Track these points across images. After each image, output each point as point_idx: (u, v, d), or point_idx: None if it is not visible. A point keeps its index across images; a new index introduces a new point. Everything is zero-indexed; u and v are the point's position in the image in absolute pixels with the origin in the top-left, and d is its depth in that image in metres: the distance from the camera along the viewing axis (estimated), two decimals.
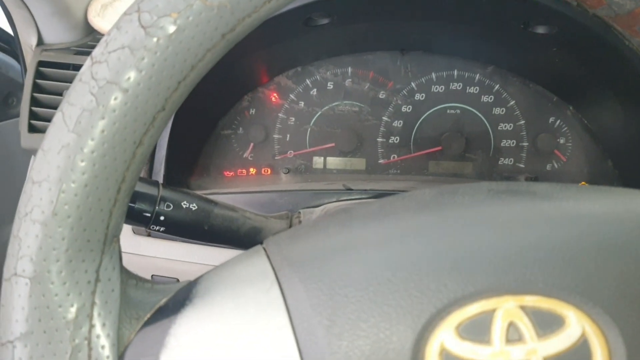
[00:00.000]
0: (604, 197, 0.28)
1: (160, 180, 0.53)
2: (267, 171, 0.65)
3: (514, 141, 0.66)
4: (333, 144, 0.67)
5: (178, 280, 0.55)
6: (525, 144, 0.66)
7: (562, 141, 0.65)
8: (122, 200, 0.27)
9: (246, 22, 0.27)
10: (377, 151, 0.67)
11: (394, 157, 0.67)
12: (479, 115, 0.66)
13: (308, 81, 0.66)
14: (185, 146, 0.56)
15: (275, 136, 0.67)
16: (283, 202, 0.51)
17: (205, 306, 0.27)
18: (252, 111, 0.66)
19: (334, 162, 0.68)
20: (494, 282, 0.25)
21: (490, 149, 0.66)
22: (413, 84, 0.66)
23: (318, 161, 0.68)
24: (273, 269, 0.27)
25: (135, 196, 0.36)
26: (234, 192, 0.53)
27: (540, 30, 0.50)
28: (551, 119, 0.65)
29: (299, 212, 0.45)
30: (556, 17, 0.44)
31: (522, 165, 0.66)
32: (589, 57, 0.50)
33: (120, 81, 0.24)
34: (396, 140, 0.67)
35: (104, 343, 0.25)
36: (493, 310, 0.25)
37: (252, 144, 0.66)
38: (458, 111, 0.66)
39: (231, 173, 0.66)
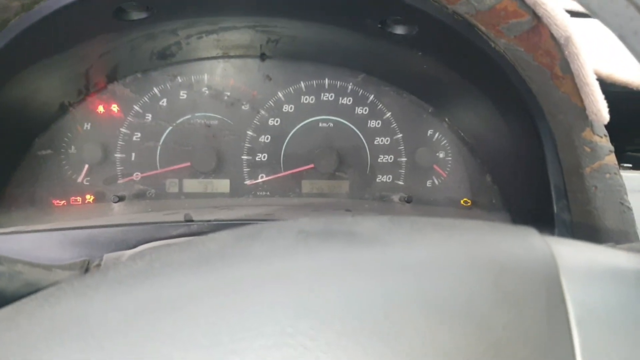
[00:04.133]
0: (439, 238, 0.23)
1: None
2: (103, 198, 0.56)
3: (392, 156, 0.62)
4: (189, 164, 0.58)
5: None
6: (404, 159, 0.62)
7: (441, 155, 0.62)
8: None
9: None
10: (243, 171, 0.60)
11: (262, 177, 0.60)
12: (354, 128, 0.61)
13: (156, 89, 0.57)
14: None
15: (117, 155, 0.57)
16: (105, 240, 0.42)
17: None
18: (87, 126, 0.56)
19: (191, 184, 0.59)
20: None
21: (367, 166, 0.61)
22: (280, 94, 0.59)
23: (172, 184, 0.59)
24: None
25: None
26: (41, 230, 0.42)
27: (399, 30, 0.45)
28: (429, 132, 0.61)
29: (101, 259, 0.37)
30: (412, 13, 0.40)
31: (400, 183, 0.62)
32: (455, 61, 0.47)
33: None
34: (264, 157, 0.60)
35: None
36: None
37: (87, 166, 0.56)
38: (331, 124, 0.61)
39: (62, 202, 0.56)
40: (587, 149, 0.46)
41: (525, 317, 0.20)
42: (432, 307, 0.19)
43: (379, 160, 0.61)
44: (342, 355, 0.18)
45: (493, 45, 0.42)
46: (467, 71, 0.48)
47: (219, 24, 0.48)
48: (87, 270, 0.34)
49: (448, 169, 0.62)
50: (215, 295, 0.19)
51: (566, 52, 0.41)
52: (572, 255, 0.23)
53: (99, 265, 0.36)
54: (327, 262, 0.20)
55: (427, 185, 0.62)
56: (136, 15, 0.43)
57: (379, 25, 0.45)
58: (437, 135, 0.61)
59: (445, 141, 0.61)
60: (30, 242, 0.41)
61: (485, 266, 0.21)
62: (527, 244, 0.23)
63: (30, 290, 0.30)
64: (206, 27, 0.49)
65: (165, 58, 0.54)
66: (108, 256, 0.37)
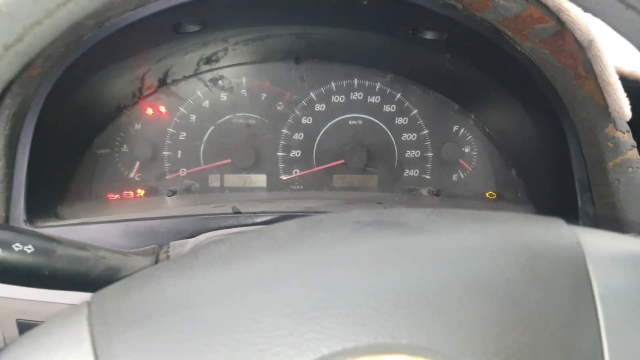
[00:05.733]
0: (476, 228, 0.25)
1: (21, 211, 0.46)
2: (155, 193, 0.59)
3: (419, 151, 0.63)
4: (229, 160, 0.61)
5: None
6: (430, 154, 0.63)
7: (466, 150, 0.63)
8: None
9: (37, 31, 0.21)
10: (278, 166, 0.62)
11: (295, 172, 0.63)
12: (382, 125, 0.63)
13: (199, 93, 0.60)
14: (51, 170, 0.48)
15: (165, 153, 0.60)
16: (164, 230, 0.45)
17: None
18: (138, 126, 0.59)
19: (231, 179, 0.62)
20: (346, 342, 0.21)
21: (394, 161, 0.63)
22: (312, 94, 0.62)
23: (214, 179, 0.62)
24: (91, 333, 0.22)
25: None
26: (107, 222, 0.46)
27: (429, 35, 0.47)
28: (455, 128, 0.63)
29: (168, 246, 0.40)
30: (443, 21, 0.41)
31: (427, 177, 0.63)
32: (483, 62, 0.48)
33: None
34: (297, 154, 0.62)
35: None
36: None
37: (138, 163, 0.59)
38: (360, 122, 0.63)
39: (116, 196, 0.59)
40: (610, 145, 0.47)
41: (555, 294, 0.22)
42: (474, 286, 0.21)
43: (406, 156, 0.63)
44: (400, 324, 0.20)
45: (519, 48, 0.43)
46: (493, 72, 0.49)
47: (266, 32, 0.51)
48: (157, 255, 0.37)
49: (474, 163, 0.63)
50: (293, 273, 0.21)
51: (589, 54, 0.42)
52: (596, 242, 0.25)
53: (167, 251, 0.39)
54: (381, 247, 0.22)
55: (454, 179, 0.64)
56: (192, 28, 0.45)
57: (411, 32, 0.46)
58: (462, 131, 0.63)
59: (470, 136, 0.63)
60: (97, 232, 0.44)
61: (519, 251, 0.23)
62: (556, 232, 0.25)
63: (111, 273, 0.34)
64: (255, 34, 0.51)
65: (211, 63, 0.57)
66: (174, 243, 0.40)
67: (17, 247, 0.30)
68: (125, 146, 0.58)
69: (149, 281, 0.23)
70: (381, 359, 0.20)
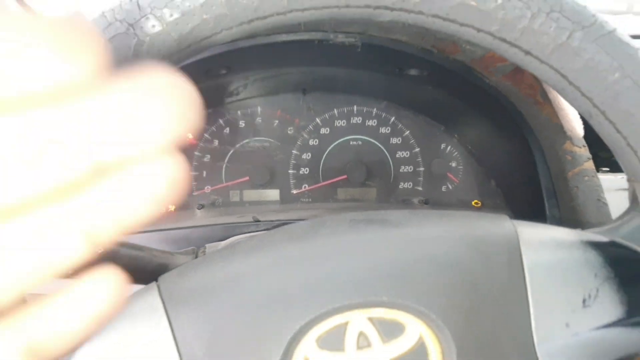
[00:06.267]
0: (440, 222, 0.33)
1: None
2: (185, 207, 0.68)
3: (412, 167, 0.72)
4: (247, 178, 0.70)
5: None
6: (422, 168, 0.72)
7: (453, 164, 0.72)
8: None
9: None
10: (289, 182, 0.71)
11: (305, 187, 0.71)
12: (379, 145, 0.72)
13: (221, 121, 0.69)
14: None
15: (192, 173, 0.69)
16: (195, 237, 0.53)
17: (98, 340, 0.30)
18: None
19: (249, 194, 0.71)
20: (345, 300, 0.29)
21: (390, 175, 0.72)
22: (318, 120, 0.71)
23: (234, 194, 0.71)
24: (163, 303, 0.30)
25: None
26: (148, 231, 0.55)
27: (413, 72, 0.56)
28: (442, 146, 0.72)
29: (204, 247, 0.48)
30: (422, 62, 0.50)
31: (419, 188, 0.72)
32: (459, 93, 0.57)
33: None
34: (306, 171, 0.71)
35: None
36: (346, 324, 0.29)
37: None
38: (360, 142, 0.72)
39: None
40: (569, 157, 0.55)
41: (493, 268, 0.30)
42: (435, 262, 0.30)
43: (400, 171, 0.72)
44: (382, 289, 0.29)
45: (487, 81, 0.52)
46: (469, 100, 0.58)
47: (279, 71, 0.60)
48: (196, 254, 0.46)
49: (460, 176, 0.72)
50: (305, 257, 0.30)
51: (544, 85, 0.51)
52: (530, 229, 0.32)
53: (204, 251, 0.47)
54: (370, 238, 0.31)
55: (442, 189, 0.72)
56: (219, 72, 0.55)
57: (397, 70, 0.55)
58: (449, 148, 0.71)
59: (456, 153, 0.71)
60: (141, 240, 0.52)
61: (468, 237, 0.31)
62: (499, 223, 0.33)
63: (161, 269, 0.42)
64: (269, 73, 0.60)
65: (232, 96, 0.66)
66: (209, 245, 0.49)
67: None
68: None
69: (202, 264, 0.32)
70: (368, 311, 0.28)
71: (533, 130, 0.55)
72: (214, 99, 0.65)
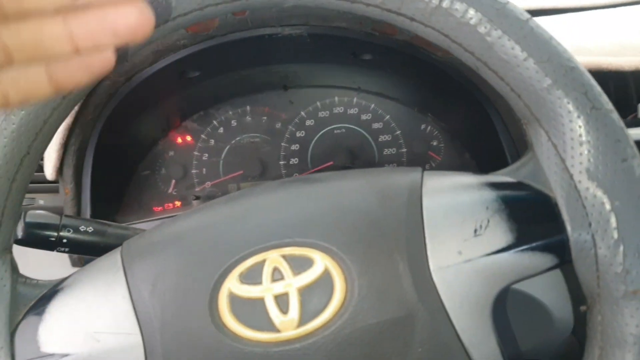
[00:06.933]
0: (358, 176, 0.38)
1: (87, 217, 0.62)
2: (187, 202, 0.75)
3: (394, 149, 0.76)
4: (242, 171, 0.76)
5: None
6: (404, 149, 0.75)
7: (434, 143, 0.75)
8: (6, 223, 0.36)
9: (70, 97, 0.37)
10: (281, 172, 0.76)
11: (295, 175, 0.77)
12: (362, 131, 0.76)
13: (215, 122, 0.76)
14: (108, 188, 0.65)
15: (193, 171, 0.76)
16: None
17: (71, 287, 0.36)
18: (171, 153, 0.75)
19: (245, 186, 0.77)
20: (263, 242, 0.34)
21: (375, 158, 0.76)
22: (302, 113, 0.76)
23: (232, 187, 0.77)
24: (122, 258, 0.36)
25: (41, 226, 0.45)
26: (152, 219, 0.62)
27: (367, 57, 0.60)
28: (422, 126, 0.75)
29: None
30: (371, 47, 0.55)
31: None
32: (416, 73, 0.61)
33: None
34: (295, 161, 0.76)
35: None
36: (263, 261, 0.33)
37: (174, 181, 0.75)
38: (344, 130, 0.76)
39: (160, 208, 0.75)
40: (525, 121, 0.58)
41: (393, 208, 0.34)
42: (341, 207, 0.34)
43: (384, 153, 0.75)
44: (310, 230, 0.33)
45: (434, 56, 0.55)
46: (426, 78, 0.62)
47: (253, 71, 0.66)
48: None
49: (441, 153, 0.75)
50: (236, 213, 0.35)
51: None
52: (434, 175, 0.36)
53: None
54: (291, 192, 0.36)
55: (427, 168, 0.75)
56: (192, 74, 0.61)
57: (352, 55, 0.60)
58: (429, 128, 0.74)
59: (436, 132, 0.74)
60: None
61: (380, 184, 0.35)
62: (410, 172, 0.36)
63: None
64: (245, 73, 0.67)
65: (217, 100, 0.73)
66: None
67: (82, 228, 0.46)
68: (163, 169, 0.75)
69: (155, 228, 0.38)
70: (282, 250, 0.33)
71: (490, 99, 0.58)
72: (202, 103, 0.72)
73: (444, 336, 0.31)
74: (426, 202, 0.34)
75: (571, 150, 0.31)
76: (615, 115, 0.31)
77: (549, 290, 0.53)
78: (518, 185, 0.35)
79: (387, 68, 0.62)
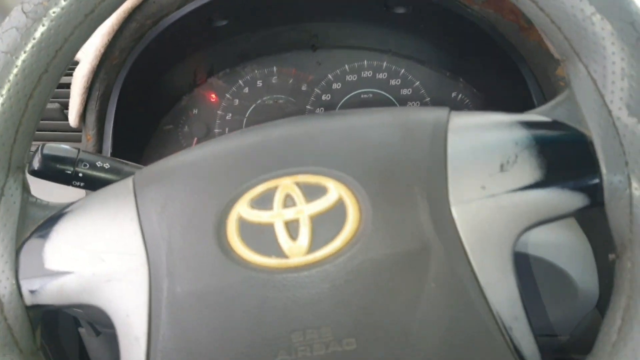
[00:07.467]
0: (384, 112, 0.36)
1: None
2: None
3: None
4: None
5: None
6: None
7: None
8: (21, 140, 0.36)
9: (102, 6, 0.36)
10: None
11: None
12: (390, 97, 0.74)
13: (240, 81, 0.75)
14: (130, 139, 0.65)
15: (216, 130, 0.76)
16: None
17: (80, 209, 0.36)
18: (195, 111, 0.75)
19: None
20: (276, 168, 0.33)
21: None
22: (330, 76, 0.74)
23: None
24: (134, 184, 0.36)
25: (58, 159, 0.45)
26: None
27: (400, 10, 0.58)
28: (453, 94, 0.73)
29: None
30: None
31: None
32: (449, 29, 0.58)
33: (10, 51, 0.34)
34: None
35: (3, 237, 0.34)
36: (275, 187, 0.32)
37: (196, 139, 0.75)
38: (371, 95, 0.74)
39: None
40: (562, 84, 0.55)
41: (415, 142, 0.32)
42: (360, 138, 0.33)
43: None
44: (308, 161, 0.32)
45: (470, 10, 0.53)
46: (458, 35, 0.59)
47: (283, 27, 0.65)
48: None
49: None
50: (253, 139, 0.34)
51: None
52: (464, 116, 0.34)
53: None
54: (313, 122, 0.34)
55: None
56: (220, 22, 0.60)
57: (385, 8, 0.58)
58: (459, 96, 0.72)
59: (467, 100, 0.72)
60: None
61: (400, 120, 0.33)
62: (436, 111, 0.34)
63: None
64: (274, 30, 0.65)
65: (245, 58, 0.72)
66: None
67: (99, 164, 0.46)
68: (186, 126, 0.75)
69: (168, 158, 0.37)
70: (296, 177, 0.32)
71: (525, 59, 0.55)
72: (229, 60, 0.71)
73: (459, 273, 0.29)
74: (451, 138, 0.32)
75: (612, 85, 0.29)
76: None
77: (575, 261, 0.50)
78: (551, 124, 0.32)
79: (421, 24, 0.60)
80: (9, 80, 0.33)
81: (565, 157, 0.31)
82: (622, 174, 0.29)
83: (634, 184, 0.28)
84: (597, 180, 0.30)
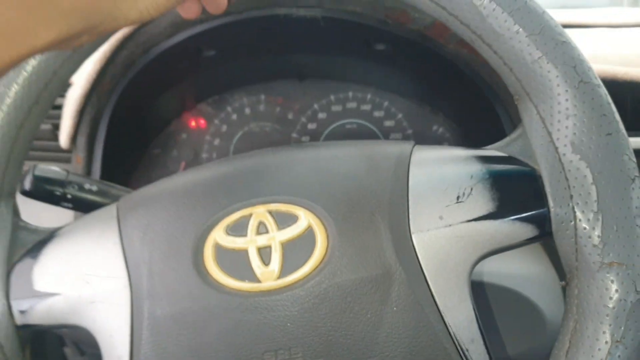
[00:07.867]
0: (352, 145, 0.39)
1: None
2: None
3: None
4: None
5: None
6: None
7: (446, 144, 0.75)
8: (12, 167, 0.38)
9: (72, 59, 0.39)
10: None
11: None
12: (373, 128, 0.77)
13: (229, 108, 0.78)
14: (119, 162, 0.67)
15: (204, 155, 0.78)
16: None
17: (67, 233, 0.38)
18: (184, 135, 0.77)
19: None
20: (251, 197, 0.35)
21: None
22: (316, 105, 0.77)
23: None
24: (117, 210, 0.38)
25: (48, 180, 0.47)
26: None
27: (380, 47, 0.61)
28: (434, 127, 0.76)
29: None
30: (385, 35, 0.56)
31: None
32: (427, 67, 0.61)
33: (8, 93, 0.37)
34: None
35: None
36: (250, 215, 0.34)
37: (183, 163, 0.77)
38: (355, 125, 0.77)
39: None
40: None
41: (379, 174, 0.34)
42: (329, 170, 0.35)
43: None
44: (281, 191, 0.34)
45: (446, 49, 0.56)
46: (437, 72, 0.62)
47: (268, 59, 0.68)
48: None
49: None
50: (231, 171, 0.36)
51: None
52: (426, 150, 0.37)
53: None
54: (286, 155, 0.37)
55: None
56: (209, 53, 0.63)
57: (366, 45, 0.61)
58: (440, 129, 0.75)
59: (448, 134, 0.75)
60: None
61: (366, 154, 0.36)
62: (400, 145, 0.37)
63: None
64: (261, 61, 0.68)
65: (232, 86, 0.75)
66: None
67: (87, 186, 0.48)
68: (174, 150, 0.77)
69: (150, 185, 0.39)
70: (269, 206, 0.34)
71: (498, 94, 0.58)
72: (217, 86, 0.74)
73: (419, 297, 0.31)
74: (413, 170, 0.35)
75: (558, 123, 0.32)
76: (602, 90, 0.31)
77: (542, 292, 0.53)
78: (505, 159, 0.35)
79: (400, 61, 0.63)
80: (1, 111, 0.36)
81: (516, 191, 0.33)
82: (567, 206, 0.31)
83: (578, 216, 0.30)
84: (545, 212, 0.32)
